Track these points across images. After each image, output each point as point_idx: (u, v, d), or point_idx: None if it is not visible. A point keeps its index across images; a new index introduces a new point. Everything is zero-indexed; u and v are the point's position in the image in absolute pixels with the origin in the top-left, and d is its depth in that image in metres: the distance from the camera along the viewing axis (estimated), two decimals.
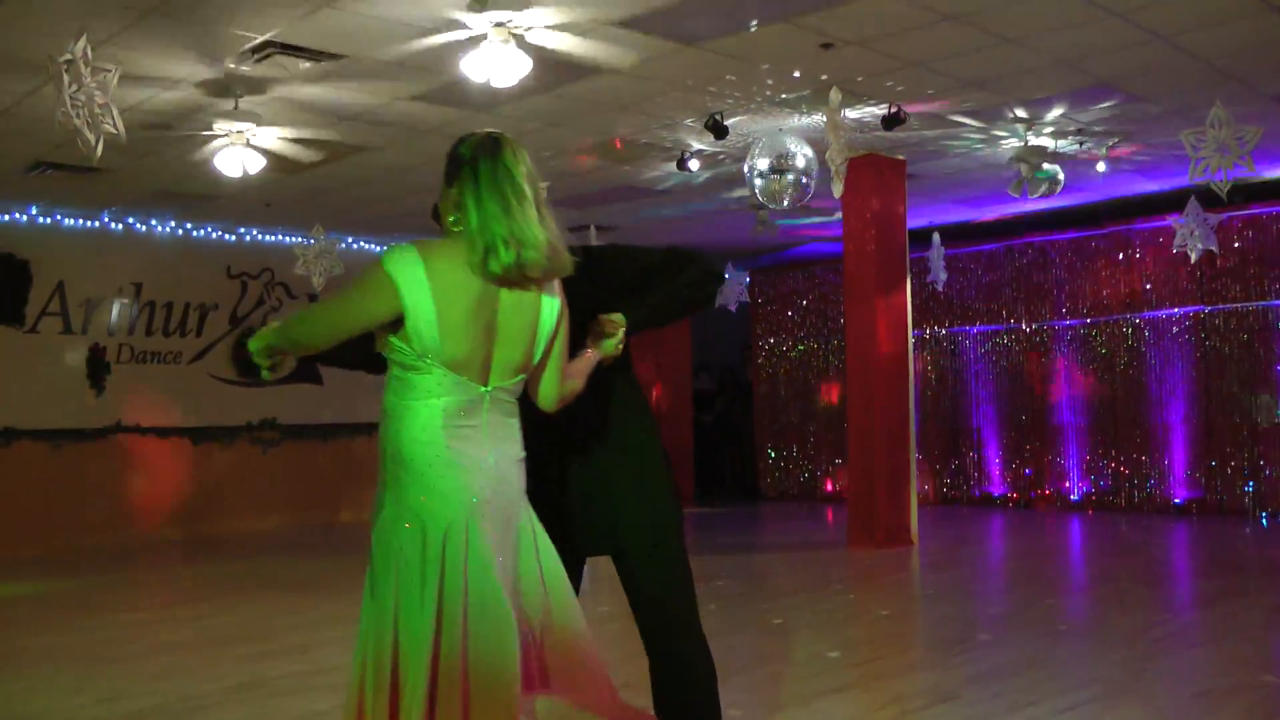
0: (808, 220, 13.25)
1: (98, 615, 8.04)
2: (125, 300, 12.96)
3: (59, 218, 12.53)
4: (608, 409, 3.36)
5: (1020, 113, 9.29)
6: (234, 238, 13.78)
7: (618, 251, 3.43)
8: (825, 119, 8.37)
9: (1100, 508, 13.47)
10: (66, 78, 6.11)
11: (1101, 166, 10.69)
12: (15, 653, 6.77)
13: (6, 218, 12.21)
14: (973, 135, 9.97)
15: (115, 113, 6.23)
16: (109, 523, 12.48)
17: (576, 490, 3.35)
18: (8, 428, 12.18)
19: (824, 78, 8.21)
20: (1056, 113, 9.30)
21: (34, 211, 12.31)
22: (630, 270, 3.36)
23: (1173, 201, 11.42)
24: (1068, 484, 13.84)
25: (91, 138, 6.23)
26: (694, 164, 10.34)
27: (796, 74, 8.20)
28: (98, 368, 12.87)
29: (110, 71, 6.22)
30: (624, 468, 3.36)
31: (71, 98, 6.13)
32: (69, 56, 6.10)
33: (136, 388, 13.03)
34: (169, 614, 8.06)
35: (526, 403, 3.10)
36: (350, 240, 14.21)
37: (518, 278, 2.84)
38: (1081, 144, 10.14)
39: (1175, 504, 12.90)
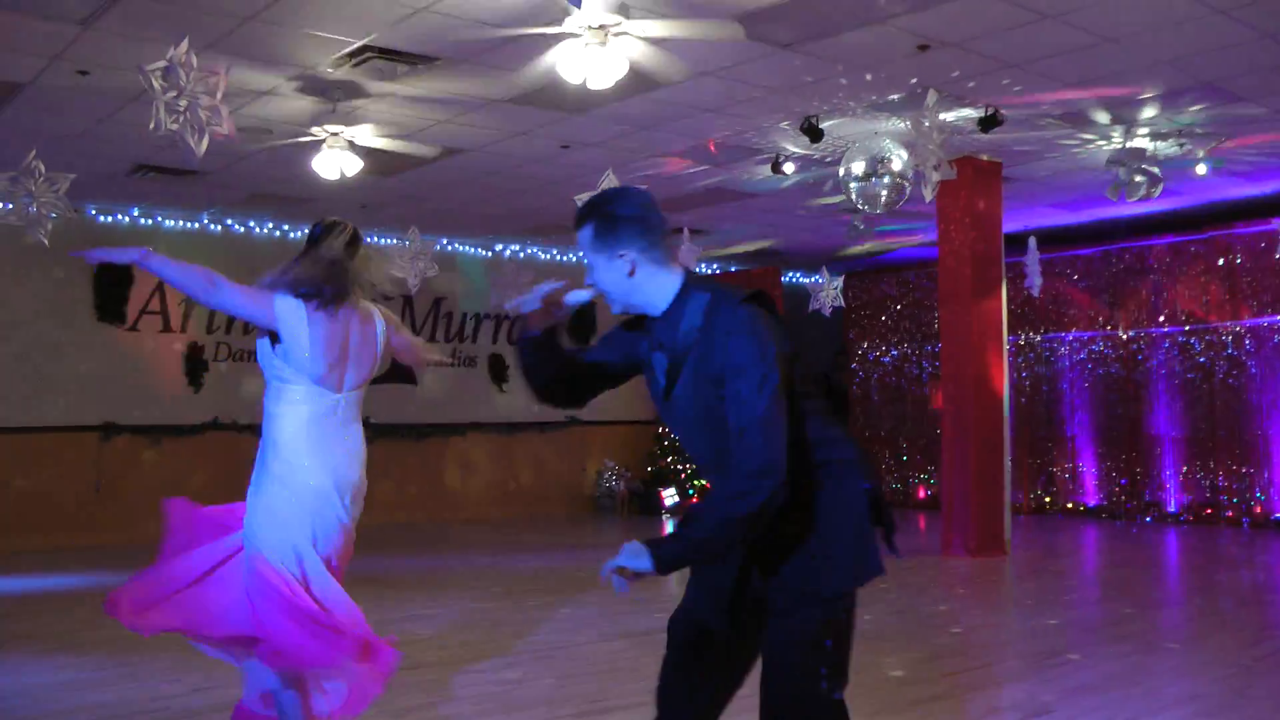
0: (898, 226, 13.14)
1: None
2: None
3: (159, 219, 12.79)
4: None
5: (1119, 113, 9.12)
6: None
7: (741, 334, 2.75)
8: (914, 122, 8.28)
9: (1198, 521, 13.16)
10: (160, 85, 6.22)
11: (1202, 169, 10.45)
12: (112, 640, 6.90)
13: (109, 219, 12.50)
14: (1070, 137, 9.81)
15: (225, 113, 6.34)
16: None
17: None
18: (108, 423, 12.47)
19: (920, 80, 8.15)
20: (1156, 113, 9.11)
21: (135, 213, 12.59)
22: (723, 367, 2.75)
23: (1275, 205, 11.15)
24: (1165, 495, 13.55)
25: (193, 142, 6.35)
26: (789, 167, 10.29)
27: (893, 76, 8.13)
28: (196, 365, 13.13)
29: (219, 75, 6.33)
30: None
31: (169, 104, 6.24)
32: (162, 64, 6.21)
33: (233, 385, 13.26)
34: None
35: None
36: (445, 241, 14.34)
37: None
38: (1181, 146, 9.92)
39: (1276, 519, 12.56)
